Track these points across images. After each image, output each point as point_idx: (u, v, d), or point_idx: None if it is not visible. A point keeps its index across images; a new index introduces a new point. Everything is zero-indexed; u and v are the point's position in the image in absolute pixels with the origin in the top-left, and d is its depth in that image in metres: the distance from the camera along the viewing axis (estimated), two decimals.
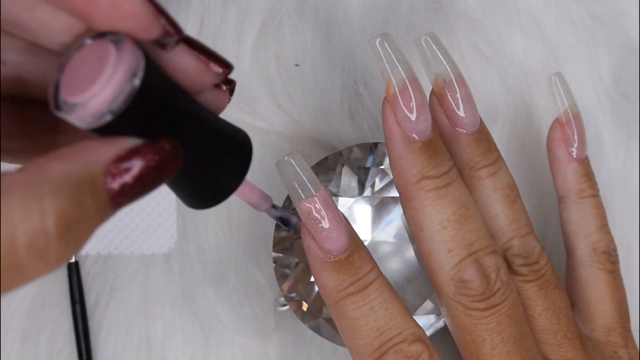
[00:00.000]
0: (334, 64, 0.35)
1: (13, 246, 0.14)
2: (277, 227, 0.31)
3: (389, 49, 0.23)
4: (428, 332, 0.30)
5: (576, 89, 0.35)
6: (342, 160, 0.31)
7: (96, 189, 0.16)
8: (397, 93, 0.23)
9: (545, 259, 0.26)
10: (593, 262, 0.28)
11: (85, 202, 0.16)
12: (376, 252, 0.31)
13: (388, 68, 0.23)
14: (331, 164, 0.31)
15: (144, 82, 0.17)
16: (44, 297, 0.34)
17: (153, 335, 0.34)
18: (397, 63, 0.23)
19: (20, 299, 0.34)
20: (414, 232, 0.25)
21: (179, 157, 0.18)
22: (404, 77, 0.23)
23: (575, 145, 0.29)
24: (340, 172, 0.31)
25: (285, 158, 0.24)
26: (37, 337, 0.34)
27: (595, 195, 0.29)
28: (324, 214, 0.24)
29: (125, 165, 0.17)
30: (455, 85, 0.25)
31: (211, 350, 0.34)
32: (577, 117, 0.29)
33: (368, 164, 0.31)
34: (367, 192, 0.31)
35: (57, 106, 0.17)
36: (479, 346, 0.25)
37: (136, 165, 0.17)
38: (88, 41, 0.18)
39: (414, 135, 0.24)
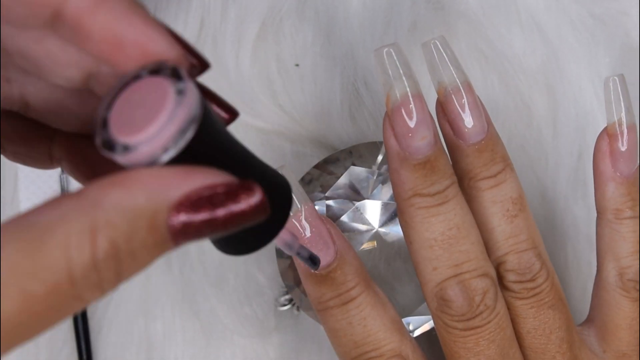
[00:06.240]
0: (334, 64, 0.35)
1: (73, 280, 0.14)
2: None
3: (396, 61, 0.23)
4: (429, 326, 0.30)
5: (576, 89, 0.35)
6: (351, 159, 0.31)
7: (156, 224, 0.15)
8: (398, 108, 0.23)
9: (544, 277, 0.25)
10: (617, 287, 0.27)
11: (141, 236, 0.15)
12: (381, 245, 0.31)
13: (392, 81, 0.23)
14: (340, 162, 0.31)
15: (200, 128, 0.16)
16: None
17: (153, 335, 0.34)
18: (402, 77, 0.23)
19: None
20: (405, 241, 0.25)
21: (267, 207, 0.16)
22: (408, 92, 0.23)
23: (622, 161, 0.26)
24: (350, 171, 0.31)
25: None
26: (37, 337, 0.34)
27: (636, 216, 0.27)
28: (308, 231, 0.24)
29: (198, 205, 0.16)
30: (461, 92, 0.24)
31: (211, 350, 0.34)
32: (631, 129, 0.26)
33: (376, 163, 0.31)
34: (377, 190, 0.31)
35: (106, 145, 0.16)
36: None
37: (211, 208, 0.16)
38: (143, 74, 0.17)
39: (410, 153, 0.23)
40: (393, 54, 0.23)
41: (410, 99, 0.23)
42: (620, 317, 0.27)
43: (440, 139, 0.24)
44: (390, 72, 0.23)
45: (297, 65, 0.35)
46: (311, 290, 0.25)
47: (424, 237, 0.24)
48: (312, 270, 0.25)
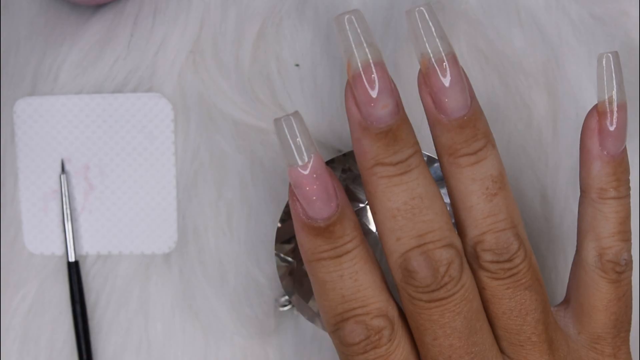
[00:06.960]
0: (334, 63, 0.35)
1: None
2: (282, 220, 0.31)
3: (357, 28, 0.22)
4: None
5: (576, 89, 0.35)
6: (347, 163, 0.31)
7: None
8: (359, 76, 0.22)
9: (521, 258, 0.25)
10: (596, 268, 0.26)
11: None
12: (381, 249, 0.31)
13: (353, 48, 0.22)
14: (336, 166, 0.31)
15: None
16: (44, 297, 0.34)
17: (153, 335, 0.34)
18: (364, 44, 0.22)
19: (21, 299, 0.34)
20: (371, 214, 0.24)
21: None
22: (370, 59, 0.22)
23: (610, 139, 0.26)
24: (347, 175, 0.31)
25: (288, 116, 0.23)
26: (37, 337, 0.34)
27: (620, 197, 0.26)
28: (313, 182, 0.23)
29: None
30: (445, 64, 0.23)
31: (211, 350, 0.34)
32: (621, 107, 0.26)
33: None
34: None
35: None
36: (422, 334, 0.24)
37: None
38: None
39: (372, 122, 0.23)
40: (354, 20, 0.22)
41: (372, 66, 0.22)
42: (597, 299, 0.26)
43: (403, 108, 0.24)
44: (351, 39, 0.22)
45: (297, 65, 0.35)
46: (305, 241, 0.24)
47: (386, 206, 0.23)
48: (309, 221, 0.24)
